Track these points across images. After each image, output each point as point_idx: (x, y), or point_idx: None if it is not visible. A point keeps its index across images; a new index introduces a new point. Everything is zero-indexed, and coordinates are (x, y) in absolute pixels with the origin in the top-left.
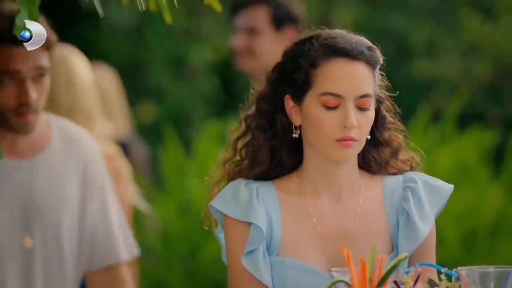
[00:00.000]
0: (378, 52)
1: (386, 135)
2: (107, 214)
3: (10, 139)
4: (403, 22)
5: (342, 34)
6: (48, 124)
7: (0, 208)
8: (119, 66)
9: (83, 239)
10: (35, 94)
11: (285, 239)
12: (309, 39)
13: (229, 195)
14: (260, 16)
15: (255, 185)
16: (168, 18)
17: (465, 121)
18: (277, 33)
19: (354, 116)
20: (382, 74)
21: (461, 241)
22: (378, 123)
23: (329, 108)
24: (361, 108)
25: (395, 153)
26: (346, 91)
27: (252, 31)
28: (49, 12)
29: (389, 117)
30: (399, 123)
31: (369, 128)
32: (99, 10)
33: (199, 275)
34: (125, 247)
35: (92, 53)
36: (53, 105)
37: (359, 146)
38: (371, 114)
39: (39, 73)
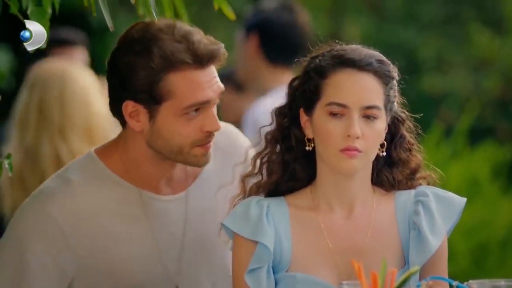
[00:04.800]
0: (390, 67)
1: (403, 155)
2: None
3: (168, 173)
4: (413, 37)
5: (354, 47)
6: None
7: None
8: None
9: None
10: None
11: (296, 255)
12: (322, 52)
13: (240, 213)
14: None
15: (266, 202)
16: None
17: (475, 136)
18: (244, 42)
19: (358, 126)
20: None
21: (472, 255)
22: (396, 142)
23: (334, 116)
24: (368, 120)
25: (411, 174)
26: (350, 101)
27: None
28: (57, 27)
29: (409, 137)
30: (419, 145)
31: (377, 141)
32: (109, 23)
33: None
34: None
35: (100, 68)
36: (46, 122)
37: (365, 158)
38: (378, 126)
39: (219, 99)
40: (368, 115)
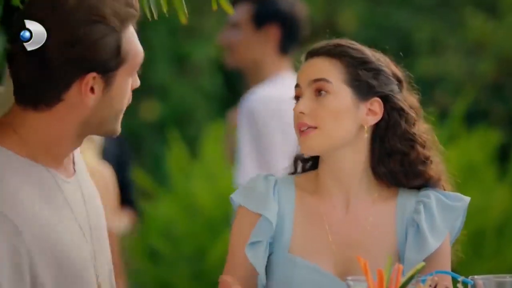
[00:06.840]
0: (352, 50)
1: (399, 146)
2: None
3: (71, 153)
4: (407, 20)
5: (333, 40)
6: None
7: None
8: None
9: None
10: None
11: (295, 238)
12: None
13: (248, 187)
14: (241, 12)
15: (274, 178)
16: (183, 18)
17: (470, 119)
18: (257, 31)
19: (304, 102)
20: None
21: (468, 241)
22: (389, 130)
23: (296, 100)
24: (319, 96)
25: (408, 167)
26: (301, 79)
27: (234, 27)
28: None
29: (408, 128)
30: (424, 136)
31: (332, 116)
32: None
33: (206, 276)
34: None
35: None
36: None
37: (322, 136)
38: (331, 101)
39: None
40: (317, 89)
